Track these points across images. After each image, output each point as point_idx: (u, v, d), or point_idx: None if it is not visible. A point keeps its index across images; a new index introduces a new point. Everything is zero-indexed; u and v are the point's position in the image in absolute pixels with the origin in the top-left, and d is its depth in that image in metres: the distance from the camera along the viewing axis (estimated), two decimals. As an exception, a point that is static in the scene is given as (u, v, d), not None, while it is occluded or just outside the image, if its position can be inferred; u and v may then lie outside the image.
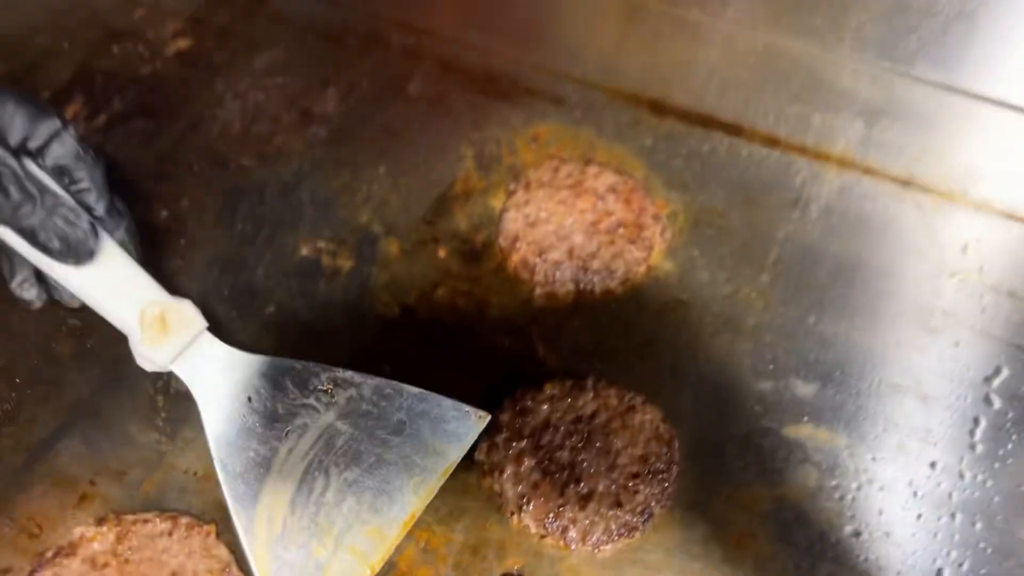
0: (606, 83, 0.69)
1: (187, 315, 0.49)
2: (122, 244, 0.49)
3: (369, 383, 0.48)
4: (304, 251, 0.59)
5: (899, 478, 0.51)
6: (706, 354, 0.55)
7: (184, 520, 0.47)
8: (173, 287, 0.56)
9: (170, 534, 0.47)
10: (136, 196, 0.61)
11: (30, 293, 0.50)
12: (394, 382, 0.48)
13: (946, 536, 0.49)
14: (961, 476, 0.51)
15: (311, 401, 0.48)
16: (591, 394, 0.52)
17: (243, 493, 0.45)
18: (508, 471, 0.49)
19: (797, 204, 0.62)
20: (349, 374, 0.49)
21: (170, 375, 0.51)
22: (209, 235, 0.60)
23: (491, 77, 0.70)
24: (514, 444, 0.50)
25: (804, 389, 0.54)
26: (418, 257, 0.59)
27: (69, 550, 0.46)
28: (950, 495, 0.51)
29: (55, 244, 0.45)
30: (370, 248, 0.59)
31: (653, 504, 0.49)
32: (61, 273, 0.47)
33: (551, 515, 0.48)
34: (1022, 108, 0.58)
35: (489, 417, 0.48)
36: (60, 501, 0.49)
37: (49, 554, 0.46)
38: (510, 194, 0.62)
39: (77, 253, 0.46)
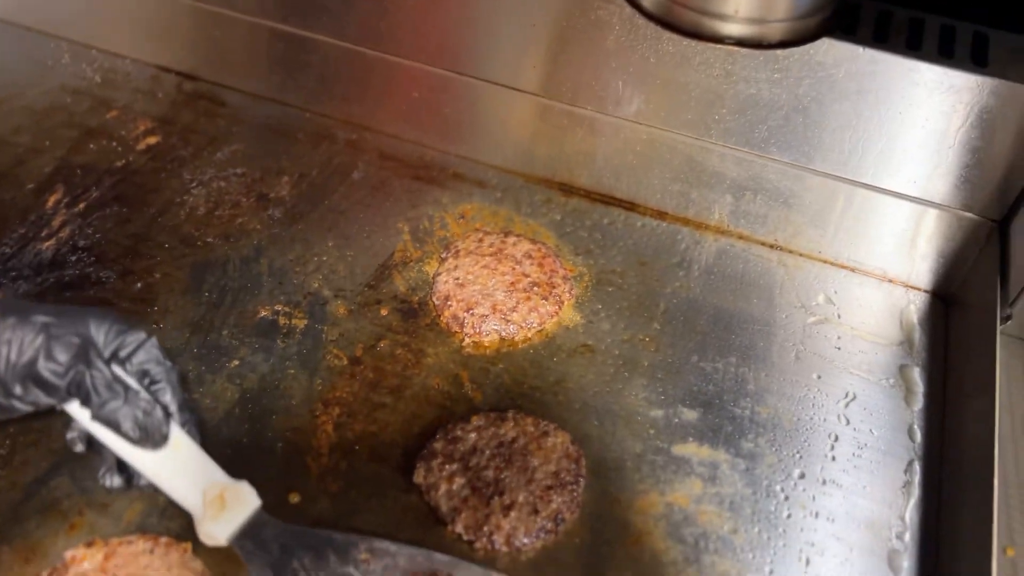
0: (522, 169, 0.81)
1: (243, 494, 0.55)
2: (189, 434, 0.55)
3: (404, 552, 0.54)
4: (263, 313, 0.69)
5: (771, 486, 0.61)
6: (608, 388, 0.66)
7: (163, 540, 0.55)
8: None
9: (151, 552, 0.54)
10: (113, 272, 0.70)
11: (113, 481, 0.56)
12: (425, 550, 0.54)
13: (809, 530, 0.59)
14: (823, 482, 0.62)
15: (350, 570, 0.54)
16: (511, 423, 0.62)
17: None
18: (442, 489, 0.58)
19: (682, 265, 0.74)
20: (385, 544, 0.54)
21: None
22: (179, 303, 0.69)
23: (424, 165, 0.81)
24: (446, 467, 0.59)
25: (689, 415, 0.65)
26: (363, 315, 0.69)
27: (61, 570, 0.53)
28: (813, 498, 0.61)
29: (134, 431, 0.52)
30: (321, 309, 0.69)
31: (564, 511, 0.58)
32: (139, 460, 0.53)
33: (479, 523, 0.57)
34: (855, 181, 0.72)
35: None
36: (52, 530, 0.56)
37: (44, 574, 0.53)
38: (442, 261, 0.72)
39: (153, 438, 0.53)
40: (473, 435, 0.61)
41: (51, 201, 0.76)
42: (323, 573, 0.53)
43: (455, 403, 0.64)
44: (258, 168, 0.80)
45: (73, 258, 0.71)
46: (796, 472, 0.62)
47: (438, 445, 0.61)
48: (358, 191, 0.79)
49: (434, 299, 0.70)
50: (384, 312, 0.69)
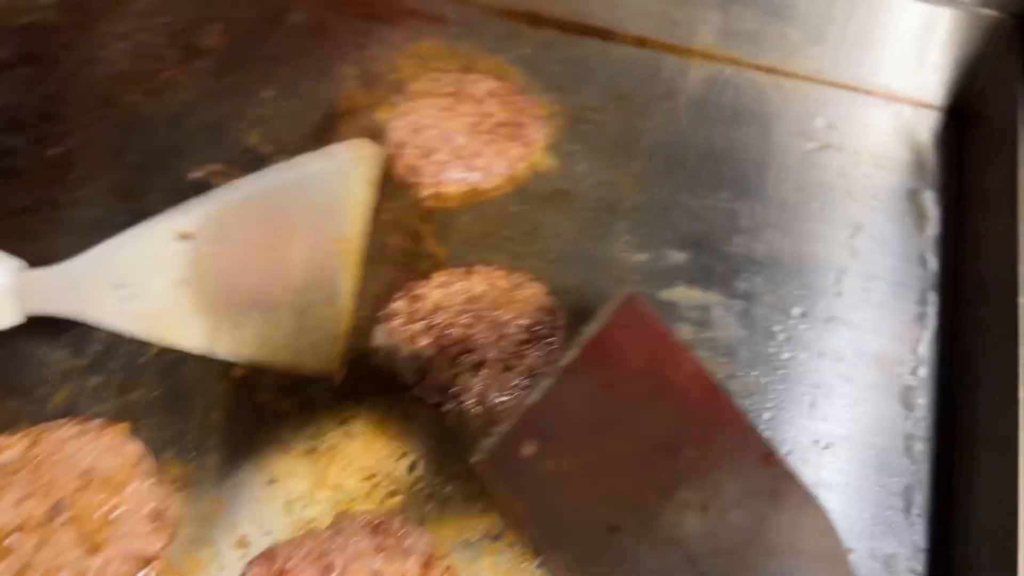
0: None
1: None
2: None
3: (230, 200, 0.50)
4: (197, 174, 0.61)
5: (769, 325, 0.55)
6: (588, 235, 0.59)
7: (95, 422, 0.49)
8: (71, 217, 0.58)
9: (81, 435, 0.48)
10: (25, 138, 0.62)
11: None
12: (258, 181, 0.50)
13: (815, 372, 0.53)
14: (828, 320, 0.56)
15: (181, 248, 0.49)
16: (480, 276, 0.55)
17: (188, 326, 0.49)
18: (403, 352, 0.52)
19: (667, 96, 0.66)
20: (190, 212, 0.48)
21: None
22: (102, 168, 0.61)
23: (370, 1, 0.72)
24: (408, 327, 0.53)
25: (676, 257, 0.58)
26: (308, 171, 0.61)
27: (-19, 462, 0.48)
28: (818, 337, 0.55)
29: None
30: (260, 166, 0.61)
31: (540, 366, 0.52)
32: None
33: (445, 385, 0.51)
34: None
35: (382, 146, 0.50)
36: (-31, 419, 0.50)
37: (-39, 468, 0.48)
38: (394, 106, 0.64)
39: None
40: (438, 292, 0.55)
41: (-52, 66, 0.67)
42: (155, 265, 0.50)
43: (416, 260, 0.58)
44: (183, 17, 0.71)
45: (-20, 125, 0.63)
46: (797, 311, 0.56)
47: (399, 304, 0.54)
48: (296, 35, 0.70)
49: (387, 148, 0.62)
50: (332, 165, 0.62)
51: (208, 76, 0.67)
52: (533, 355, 0.52)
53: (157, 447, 0.49)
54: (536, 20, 0.71)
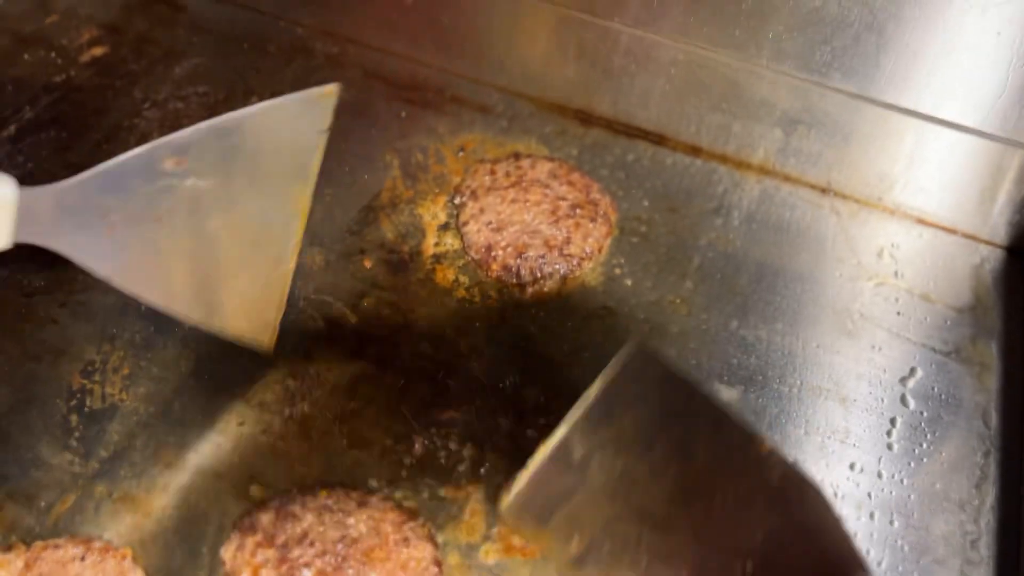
0: (532, 92, 0.69)
1: None
2: None
3: (206, 129, 0.47)
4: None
5: (821, 479, 0.52)
6: (632, 361, 0.56)
7: (98, 544, 0.46)
8: (87, 302, 0.55)
9: (83, 559, 0.45)
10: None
11: None
12: (231, 116, 0.47)
13: (865, 535, 0.50)
14: (879, 476, 0.53)
15: (164, 182, 0.47)
16: (367, 514, 0.47)
17: (153, 288, 0.47)
18: None
19: (719, 211, 0.64)
20: (183, 136, 0.47)
21: (82, 394, 0.49)
22: (126, 248, 0.58)
23: (416, 86, 0.69)
24: (260, 551, 0.46)
25: (728, 393, 0.55)
26: (343, 268, 0.59)
27: (-26, 579, 0.44)
28: (869, 494, 0.52)
29: None
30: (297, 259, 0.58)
31: None
32: None
33: None
34: (930, 117, 0.60)
35: (335, 87, 0.49)
36: (-35, 527, 0.47)
37: (-48, 584, 0.44)
38: (461, 207, 0.61)
39: None
40: (311, 516, 0.47)
41: (-25, 123, 0.64)
42: (136, 202, 0.46)
43: (449, 374, 0.54)
44: (222, 87, 0.68)
45: (1, 192, 0.60)
46: (849, 463, 0.53)
47: (265, 518, 0.47)
48: (338, 116, 0.66)
49: (473, 254, 0.59)
50: (368, 264, 0.59)
51: (244, 154, 0.64)
52: None
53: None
54: (587, 119, 0.68)
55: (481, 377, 0.54)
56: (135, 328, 0.54)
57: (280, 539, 0.46)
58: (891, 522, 0.51)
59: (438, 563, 0.46)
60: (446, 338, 0.56)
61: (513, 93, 0.69)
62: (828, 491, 0.51)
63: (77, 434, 0.50)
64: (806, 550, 0.40)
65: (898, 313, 0.60)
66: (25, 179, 0.60)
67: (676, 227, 0.62)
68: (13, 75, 0.67)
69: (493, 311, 0.58)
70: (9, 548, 0.45)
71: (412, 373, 0.54)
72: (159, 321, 0.55)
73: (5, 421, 0.50)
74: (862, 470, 0.53)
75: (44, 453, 0.50)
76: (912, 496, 0.52)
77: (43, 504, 0.48)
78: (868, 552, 0.50)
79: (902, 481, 0.52)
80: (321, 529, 0.46)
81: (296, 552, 0.45)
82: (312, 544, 0.45)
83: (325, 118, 0.49)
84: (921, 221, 0.64)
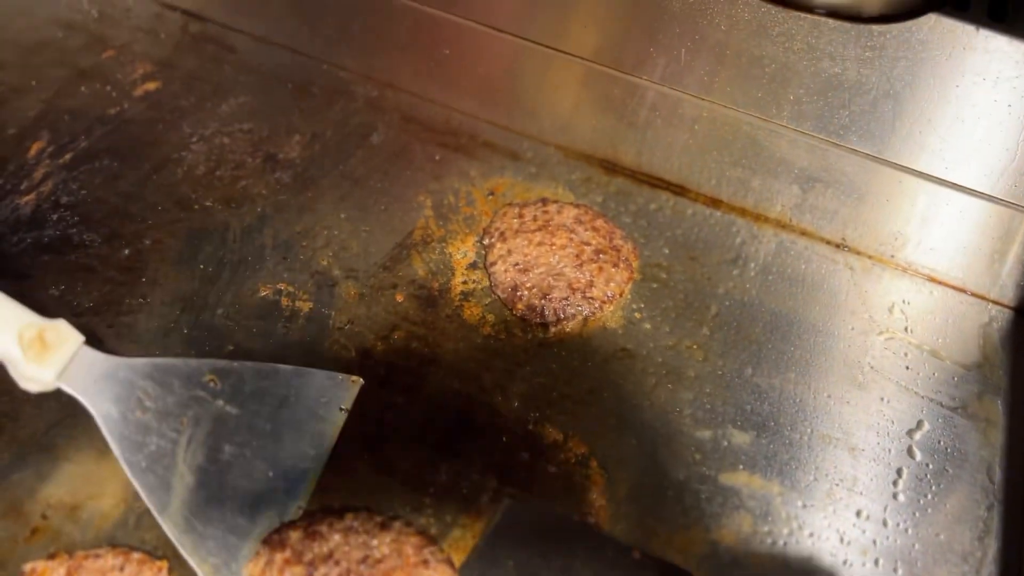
0: (561, 141, 0.72)
1: (64, 332, 0.51)
2: None
3: (248, 367, 0.53)
4: (264, 292, 0.61)
5: (828, 525, 0.54)
6: (649, 402, 0.58)
7: (136, 555, 0.48)
8: (133, 324, 0.58)
9: (121, 569, 0.47)
10: (99, 235, 0.63)
11: None
12: (270, 364, 0.54)
13: (869, 580, 0.52)
14: (884, 524, 0.54)
15: (198, 393, 0.52)
16: (389, 538, 0.50)
17: (154, 484, 0.49)
18: None
19: (736, 262, 0.66)
20: (227, 363, 0.53)
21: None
22: (171, 274, 0.61)
23: (451, 131, 0.73)
24: (287, 568, 0.48)
25: (740, 438, 0.57)
26: (376, 301, 0.61)
27: (19, 584, 0.46)
28: (874, 542, 0.54)
29: None
30: (329, 291, 0.61)
31: None
32: None
33: None
34: (942, 180, 0.63)
35: (361, 381, 0.54)
36: (11, 534, 0.49)
37: (-3, 588, 0.46)
38: (489, 248, 0.64)
39: None
40: (338, 537, 0.49)
41: (34, 150, 0.68)
42: (170, 398, 0.51)
43: (474, 409, 0.57)
44: (266, 124, 0.71)
45: (54, 216, 0.63)
46: (856, 511, 0.55)
47: (294, 536, 0.49)
48: (376, 157, 0.70)
49: (499, 292, 0.62)
50: (400, 298, 0.62)
51: (285, 189, 0.67)
52: None
53: (194, 584, 0.48)
54: (611, 168, 0.71)
55: (504, 412, 0.57)
56: (177, 351, 0.57)
57: (307, 557, 0.48)
58: (895, 570, 0.52)
59: None
60: (471, 373, 0.58)
61: (542, 141, 0.72)
62: (835, 536, 0.53)
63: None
64: None
65: (907, 367, 0.62)
66: (79, 206, 0.64)
67: (695, 275, 0.65)
68: (70, 106, 0.71)
69: (517, 348, 0.60)
70: (52, 557, 0.48)
71: (438, 405, 0.57)
72: (200, 345, 0.58)
73: (53, 434, 0.53)
74: (868, 518, 0.54)
75: (89, 467, 0.52)
76: (916, 545, 0.53)
77: (85, 514, 0.50)
78: (873, 598, 0.51)
79: (907, 530, 0.54)
80: (346, 549, 0.48)
81: (322, 570, 0.47)
82: (337, 563, 0.48)
83: (349, 399, 0.54)
84: (932, 279, 0.66)
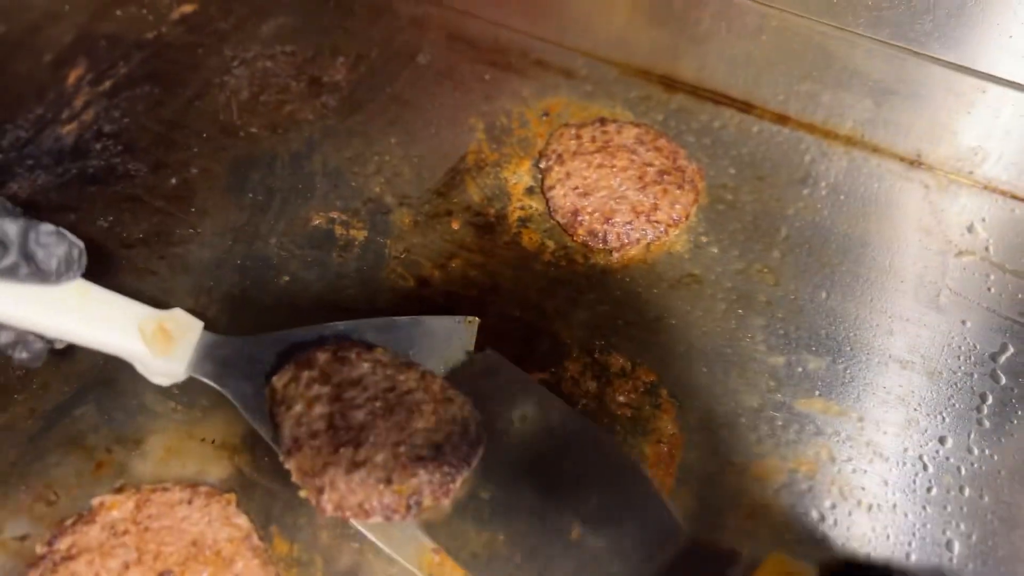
0: (617, 57, 0.68)
1: (183, 320, 0.48)
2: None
3: (366, 325, 0.50)
4: (316, 221, 0.59)
5: (909, 452, 0.52)
6: (719, 328, 0.56)
7: (203, 489, 0.47)
8: (185, 256, 0.56)
9: (190, 502, 0.46)
10: (144, 164, 0.61)
11: (22, 353, 0.44)
12: (387, 318, 0.51)
13: (955, 509, 0.50)
14: (969, 451, 0.52)
15: None
16: (416, 376, 0.49)
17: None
18: (295, 409, 0.47)
19: (806, 181, 0.63)
20: (346, 325, 0.50)
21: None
22: (220, 204, 0.59)
23: (500, 49, 0.69)
24: (315, 386, 0.47)
25: (816, 363, 0.55)
26: (431, 229, 0.59)
27: (88, 518, 0.46)
28: (959, 469, 0.51)
29: (59, 263, 0.43)
30: (383, 219, 0.59)
31: (426, 493, 0.45)
32: (53, 319, 0.44)
33: (313, 471, 0.45)
34: (1031, 89, 0.59)
35: (477, 320, 0.52)
36: (77, 469, 0.48)
37: (68, 522, 0.46)
38: (547, 171, 0.61)
39: (72, 267, 0.44)
40: (367, 365, 0.48)
41: (72, 77, 0.65)
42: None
43: (536, 339, 0.55)
44: (309, 46, 0.68)
45: (98, 146, 0.61)
46: (939, 437, 0.52)
47: (323, 357, 0.48)
48: (424, 78, 0.67)
49: (559, 218, 0.59)
50: (455, 226, 0.59)
51: (332, 114, 0.64)
52: (423, 479, 0.45)
53: (263, 520, 0.47)
54: (671, 84, 0.68)
55: (567, 340, 0.55)
56: (231, 281, 0.56)
57: (336, 379, 0.47)
58: (981, 496, 0.51)
59: (480, 424, 0.48)
60: (532, 301, 0.56)
61: (597, 57, 0.69)
62: (918, 464, 0.51)
63: (180, 383, 0.52)
64: (629, 517, 0.46)
65: (989, 288, 0.59)
66: (122, 134, 0.61)
67: (763, 196, 0.62)
68: (106, 31, 0.68)
69: (579, 276, 0.58)
70: (120, 490, 0.47)
71: (500, 334, 0.55)
72: (255, 275, 0.56)
73: (111, 367, 0.52)
74: (952, 444, 0.52)
75: (149, 400, 0.51)
76: (1002, 471, 0.51)
77: (149, 448, 0.49)
78: (959, 525, 0.49)
79: (992, 456, 0.52)
80: (375, 379, 0.48)
81: (350, 393, 0.47)
82: (365, 389, 0.47)
83: (470, 340, 0.52)
84: (1014, 196, 0.63)
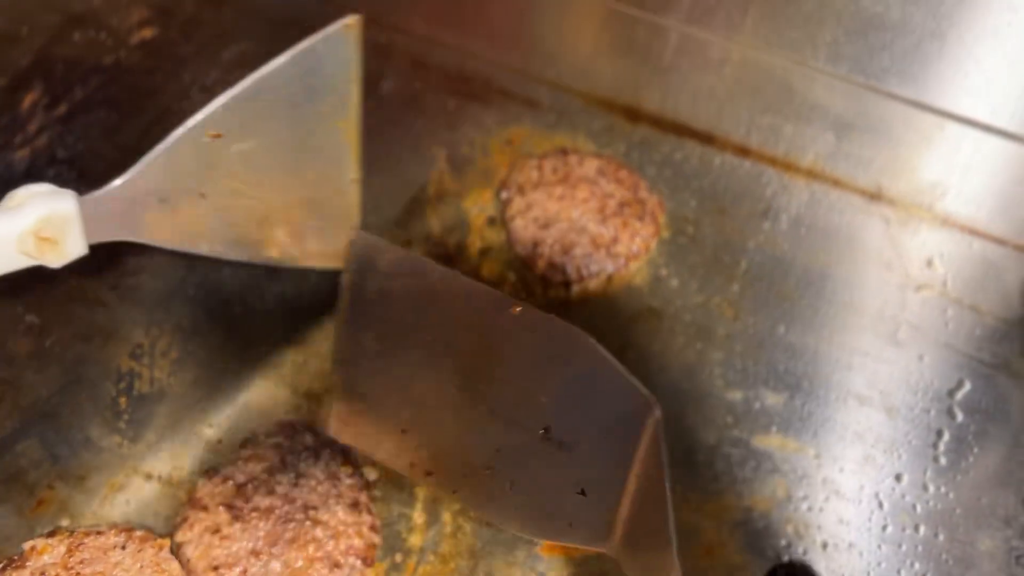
0: (581, 87, 0.68)
1: (56, 219, 0.44)
2: None
3: (234, 95, 0.48)
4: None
5: (865, 489, 0.52)
6: (677, 363, 0.56)
7: (138, 533, 0.46)
8: (138, 284, 0.55)
9: (123, 547, 0.45)
10: (99, 189, 0.60)
11: None
12: (255, 74, 0.49)
13: (910, 547, 0.50)
14: (925, 488, 0.52)
15: (211, 157, 0.49)
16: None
17: None
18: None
19: (767, 214, 0.63)
20: (215, 108, 0.48)
21: (131, 377, 0.50)
22: (174, 232, 0.58)
23: (465, 77, 0.69)
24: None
25: (773, 399, 0.54)
26: (390, 259, 0.58)
27: (19, 562, 0.44)
28: (914, 507, 0.51)
29: None
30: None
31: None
32: None
33: None
34: (987, 126, 0.60)
35: (357, 17, 0.49)
36: (17, 506, 0.47)
37: None
38: (507, 203, 0.61)
39: None
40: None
41: (27, 101, 0.64)
42: (190, 179, 0.49)
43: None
44: (271, 72, 0.68)
45: (51, 171, 0.60)
46: (895, 474, 0.52)
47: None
48: (386, 106, 0.67)
49: (519, 249, 0.59)
50: (415, 256, 0.59)
51: (292, 141, 0.64)
52: None
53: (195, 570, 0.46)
54: (634, 115, 0.68)
55: (525, 374, 0.54)
56: (183, 312, 0.55)
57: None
58: (936, 535, 0.50)
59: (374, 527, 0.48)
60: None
61: (561, 87, 0.69)
62: (873, 501, 0.51)
63: (126, 416, 0.51)
64: (594, 399, 0.42)
65: (946, 324, 0.59)
66: (77, 160, 0.61)
67: (723, 228, 0.62)
68: (63, 54, 0.67)
69: (538, 308, 0.57)
70: (52, 534, 0.46)
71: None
72: (207, 305, 0.55)
73: (56, 401, 0.50)
74: (908, 481, 0.52)
75: (94, 434, 0.50)
76: (958, 510, 0.51)
77: (92, 484, 0.48)
78: (913, 565, 0.49)
79: (948, 494, 0.52)
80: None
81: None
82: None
83: (353, 51, 0.49)
84: (972, 231, 0.63)
